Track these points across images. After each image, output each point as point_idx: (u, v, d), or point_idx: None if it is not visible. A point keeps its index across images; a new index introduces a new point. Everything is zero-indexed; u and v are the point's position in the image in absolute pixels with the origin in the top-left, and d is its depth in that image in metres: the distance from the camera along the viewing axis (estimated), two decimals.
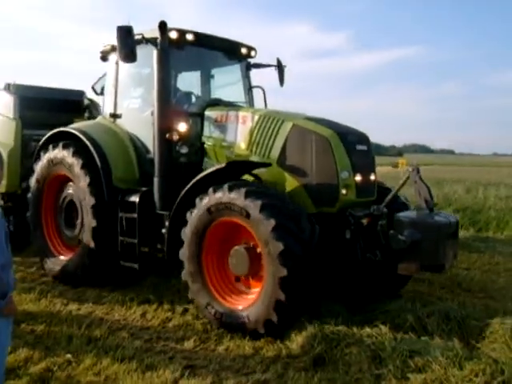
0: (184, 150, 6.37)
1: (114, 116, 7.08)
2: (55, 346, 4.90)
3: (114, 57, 7.18)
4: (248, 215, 5.01)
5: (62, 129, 7.32)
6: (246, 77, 7.69)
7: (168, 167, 6.26)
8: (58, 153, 7.04)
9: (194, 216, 5.50)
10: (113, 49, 7.11)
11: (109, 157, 6.69)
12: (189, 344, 5.05)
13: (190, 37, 6.54)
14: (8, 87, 9.01)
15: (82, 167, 6.68)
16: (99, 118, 7.60)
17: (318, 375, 4.28)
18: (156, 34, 6.13)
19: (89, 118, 9.75)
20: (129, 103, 7.17)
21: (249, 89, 7.71)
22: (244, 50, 7.33)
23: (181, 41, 6.48)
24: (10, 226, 8.15)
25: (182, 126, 6.33)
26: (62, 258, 7.22)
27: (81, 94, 10.00)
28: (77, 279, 6.86)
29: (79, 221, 6.94)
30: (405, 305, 5.62)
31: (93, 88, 8.17)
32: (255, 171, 5.90)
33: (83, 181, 6.65)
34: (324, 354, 4.54)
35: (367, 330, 4.81)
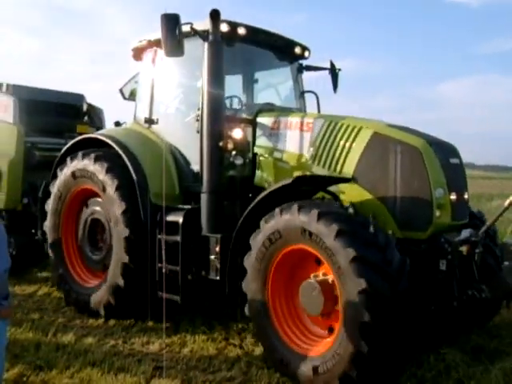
0: (239, 161, 5.42)
1: (150, 121, 6.14)
2: (24, 354, 4.87)
3: (149, 55, 6.27)
4: (321, 243, 4.08)
5: (88, 136, 6.38)
6: (298, 80, 6.76)
7: (219, 181, 5.30)
8: (77, 164, 6.07)
9: (258, 241, 4.58)
10: (149, 45, 6.20)
11: (145, 169, 5.74)
12: (154, 347, 5.17)
13: (242, 31, 5.65)
14: (6, 88, 8.11)
15: (108, 171, 5.73)
16: (130, 124, 6.64)
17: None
18: (207, 25, 5.22)
19: (89, 125, 8.87)
20: (167, 107, 6.25)
21: (301, 94, 6.77)
22: (298, 50, 6.41)
23: (231, 35, 5.59)
24: (11, 249, 6.88)
25: (238, 133, 5.40)
26: (88, 286, 6.20)
27: (80, 97, 9.15)
28: (111, 311, 5.81)
29: (107, 239, 5.98)
30: None
31: (121, 91, 7.25)
32: (330, 188, 4.95)
33: (109, 186, 5.68)
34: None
35: None
